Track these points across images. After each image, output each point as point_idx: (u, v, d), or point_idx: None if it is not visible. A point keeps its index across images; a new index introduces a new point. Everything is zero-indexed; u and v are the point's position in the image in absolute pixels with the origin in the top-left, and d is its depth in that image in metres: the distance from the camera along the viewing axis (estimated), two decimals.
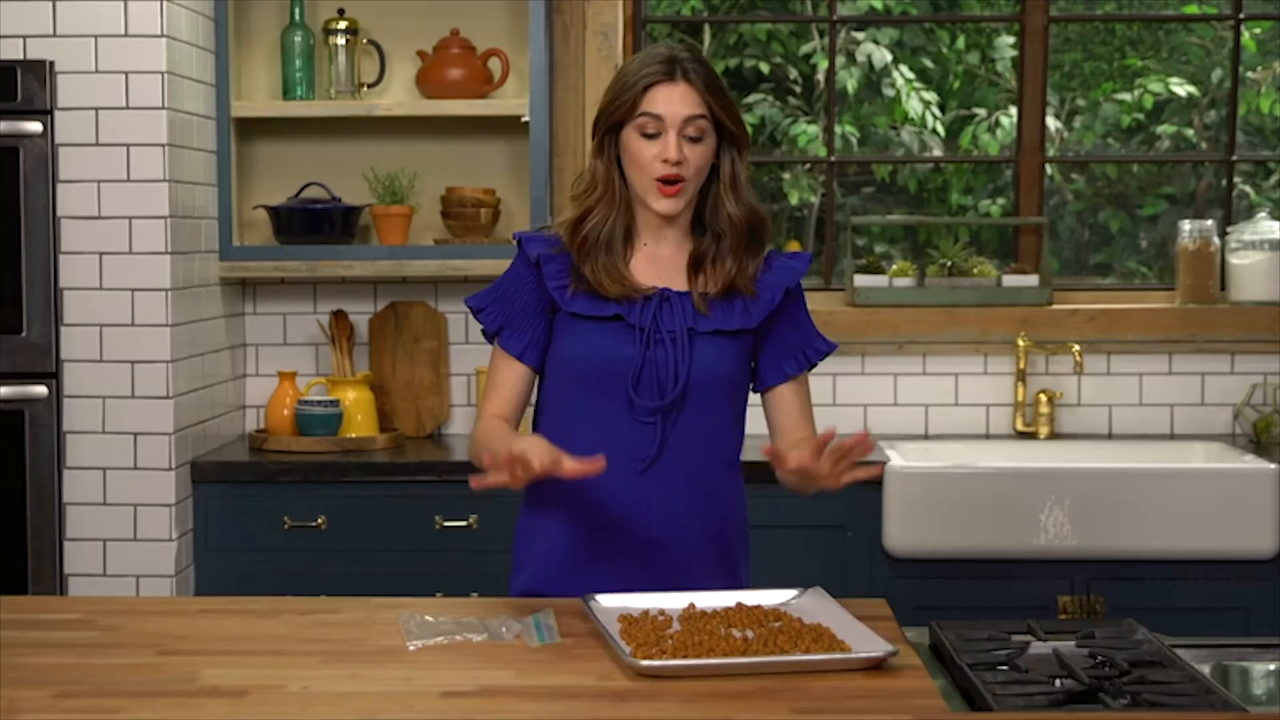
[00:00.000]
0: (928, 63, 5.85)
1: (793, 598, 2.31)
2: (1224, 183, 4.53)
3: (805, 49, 5.87)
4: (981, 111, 5.76)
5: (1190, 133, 5.61)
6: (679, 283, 2.50)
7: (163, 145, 3.62)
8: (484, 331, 2.55)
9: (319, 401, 3.98)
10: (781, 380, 2.55)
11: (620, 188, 2.49)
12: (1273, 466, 3.67)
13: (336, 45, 4.10)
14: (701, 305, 2.47)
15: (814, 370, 2.61)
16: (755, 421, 2.60)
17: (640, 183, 2.46)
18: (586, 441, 2.37)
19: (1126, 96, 5.63)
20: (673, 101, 2.43)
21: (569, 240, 2.48)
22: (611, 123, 2.47)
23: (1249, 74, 5.34)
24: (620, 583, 2.40)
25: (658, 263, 2.51)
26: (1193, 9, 5.27)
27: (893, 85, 5.72)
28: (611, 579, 2.41)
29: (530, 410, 2.57)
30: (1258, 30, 5.35)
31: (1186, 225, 4.31)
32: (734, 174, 2.50)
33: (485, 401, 2.53)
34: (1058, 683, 1.97)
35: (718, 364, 2.47)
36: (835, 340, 2.63)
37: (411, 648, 2.12)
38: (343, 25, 4.10)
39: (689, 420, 2.45)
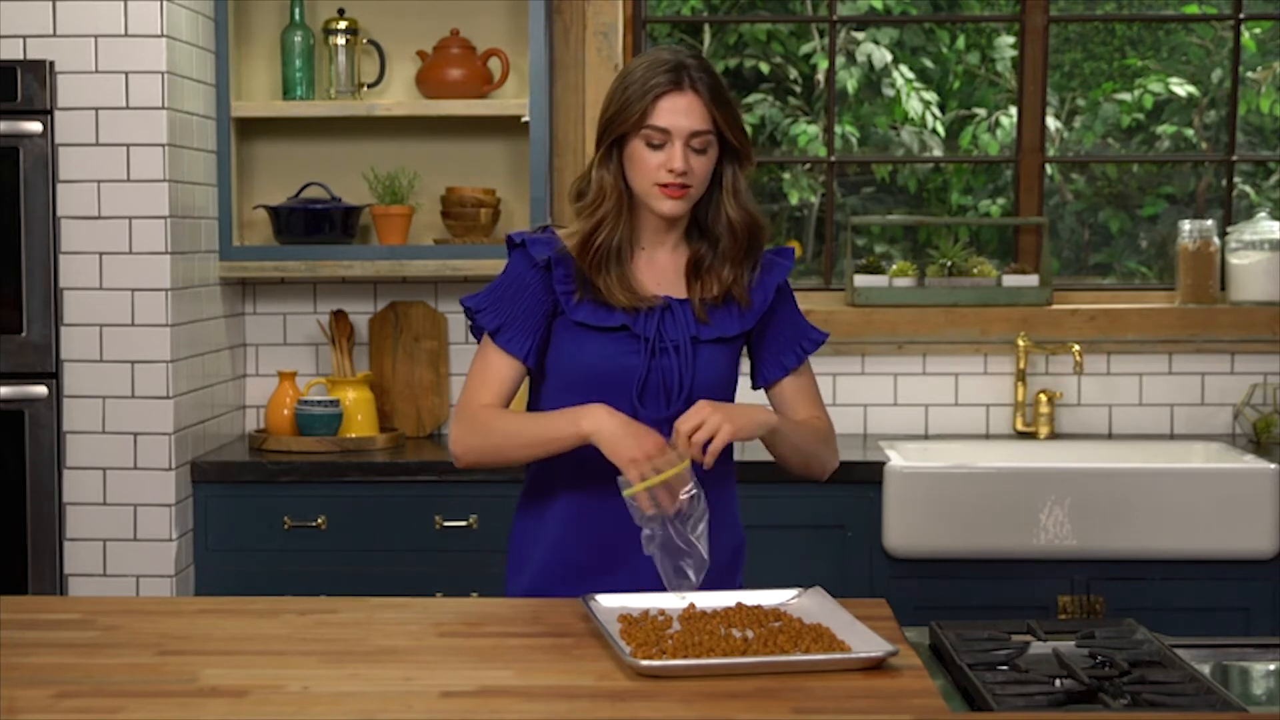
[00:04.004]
0: (928, 63, 5.85)
1: (792, 598, 2.31)
2: (1224, 183, 4.53)
3: (805, 49, 5.87)
4: (981, 111, 5.76)
5: (1190, 133, 5.61)
6: (677, 289, 2.50)
7: (163, 145, 3.62)
8: (472, 328, 2.52)
9: (319, 401, 3.98)
10: (783, 374, 2.58)
11: (627, 197, 2.48)
12: (1273, 466, 3.67)
13: (336, 45, 4.10)
14: (701, 313, 2.48)
15: (813, 370, 2.62)
16: None
17: (643, 186, 2.45)
18: (588, 450, 2.36)
19: (1126, 96, 5.63)
20: (678, 113, 2.41)
21: (580, 253, 2.46)
22: (618, 134, 2.45)
23: (1249, 74, 5.33)
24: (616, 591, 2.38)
25: (655, 267, 2.51)
26: (1193, 9, 5.27)
27: (893, 85, 5.72)
28: (609, 588, 2.38)
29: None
30: (1258, 30, 5.34)
31: (1186, 225, 4.31)
32: (735, 182, 2.50)
33: (474, 393, 2.47)
34: (1058, 683, 1.97)
35: (718, 370, 2.50)
36: (835, 341, 2.63)
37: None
38: (343, 25, 4.10)
39: None
